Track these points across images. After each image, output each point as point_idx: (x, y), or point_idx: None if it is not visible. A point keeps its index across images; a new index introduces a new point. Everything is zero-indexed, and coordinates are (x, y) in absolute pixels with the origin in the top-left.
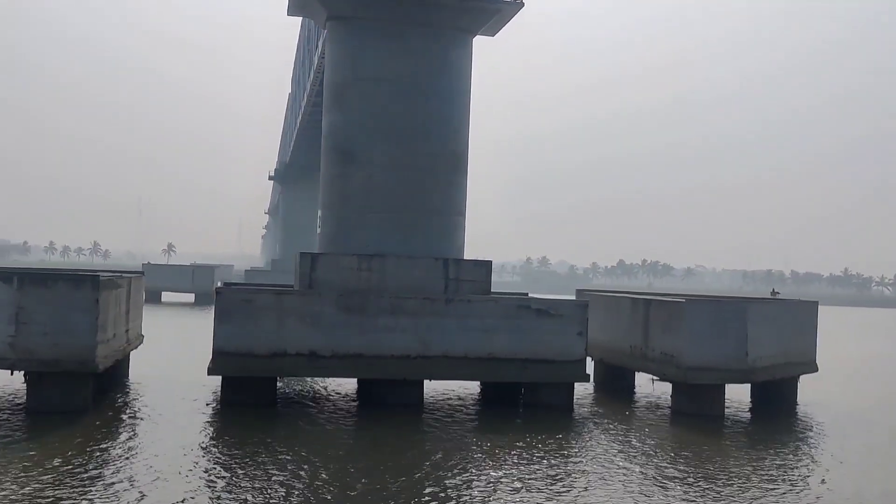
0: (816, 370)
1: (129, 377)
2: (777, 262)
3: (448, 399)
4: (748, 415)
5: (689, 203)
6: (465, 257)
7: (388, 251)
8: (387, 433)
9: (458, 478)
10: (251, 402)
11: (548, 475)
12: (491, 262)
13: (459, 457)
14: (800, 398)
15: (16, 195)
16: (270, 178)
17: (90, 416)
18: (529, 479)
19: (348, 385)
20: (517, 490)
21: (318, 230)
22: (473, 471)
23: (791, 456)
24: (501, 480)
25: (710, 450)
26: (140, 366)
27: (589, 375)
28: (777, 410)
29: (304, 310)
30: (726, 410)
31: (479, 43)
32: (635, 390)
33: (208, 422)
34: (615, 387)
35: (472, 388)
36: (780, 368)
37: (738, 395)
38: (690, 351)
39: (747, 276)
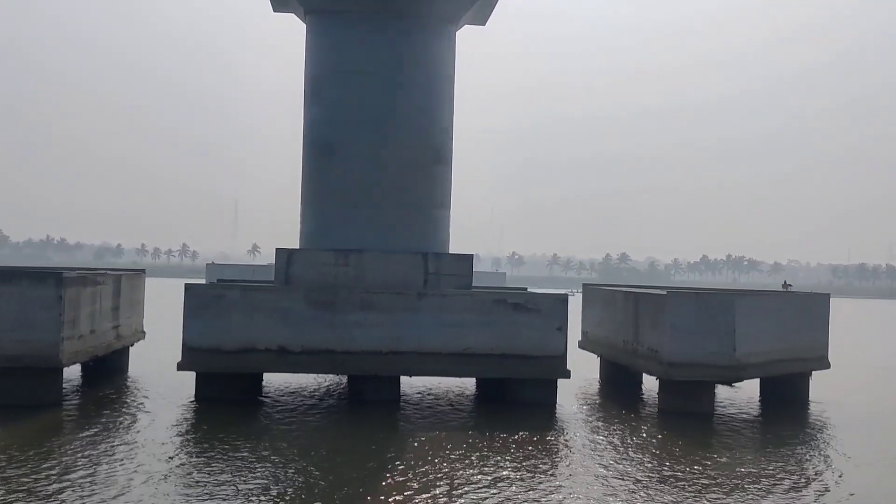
0: (828, 366)
1: (129, 372)
2: (877, 255)
3: (436, 396)
4: (746, 413)
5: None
6: (464, 252)
7: (368, 246)
8: (352, 430)
9: (421, 477)
10: (225, 397)
11: (518, 475)
12: (472, 255)
13: (424, 454)
14: (812, 396)
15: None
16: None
17: (58, 410)
18: (498, 478)
19: (333, 380)
20: (483, 490)
21: (300, 226)
22: (438, 469)
23: (765, 458)
24: (463, 479)
25: (680, 450)
26: (146, 362)
27: (569, 371)
28: (783, 409)
29: (274, 305)
30: (726, 409)
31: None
32: (641, 387)
33: (176, 417)
34: (615, 384)
35: (469, 385)
36: (781, 365)
37: (747, 394)
38: (672, 346)
39: (838, 270)
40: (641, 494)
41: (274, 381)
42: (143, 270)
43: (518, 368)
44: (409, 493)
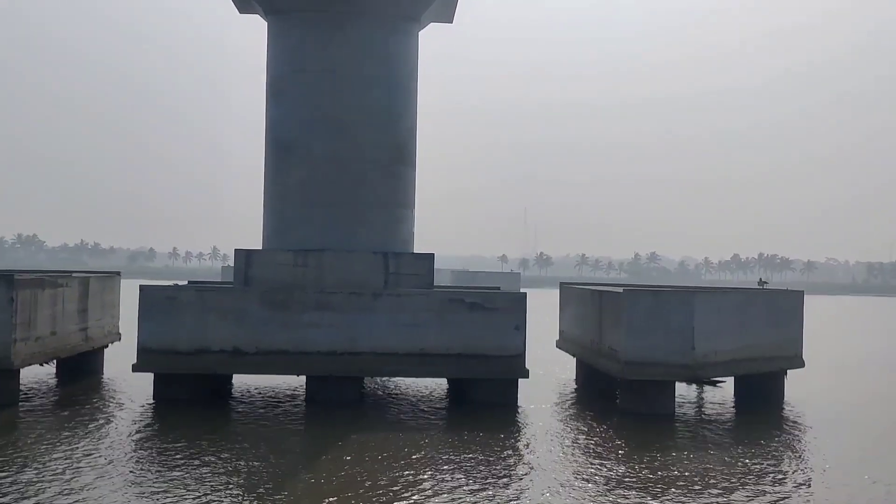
0: (802, 365)
1: (104, 374)
2: None
3: (403, 396)
4: (710, 414)
5: (815, 190)
6: (428, 252)
7: (329, 246)
8: (300, 432)
9: (362, 479)
10: (184, 398)
11: (470, 476)
12: (433, 254)
13: (369, 456)
14: (789, 396)
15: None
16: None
17: (12, 410)
18: (444, 478)
19: (297, 381)
20: (426, 489)
21: (262, 227)
22: (387, 472)
23: (709, 459)
24: (410, 481)
25: (624, 452)
26: (120, 363)
27: (528, 371)
28: (753, 409)
29: (227, 306)
30: (692, 410)
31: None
32: (616, 389)
33: (132, 418)
34: (588, 385)
35: (441, 386)
36: (748, 364)
37: (721, 394)
38: (628, 345)
39: (873, 268)
40: (570, 496)
41: (245, 381)
42: (117, 273)
43: (476, 368)
44: (349, 494)
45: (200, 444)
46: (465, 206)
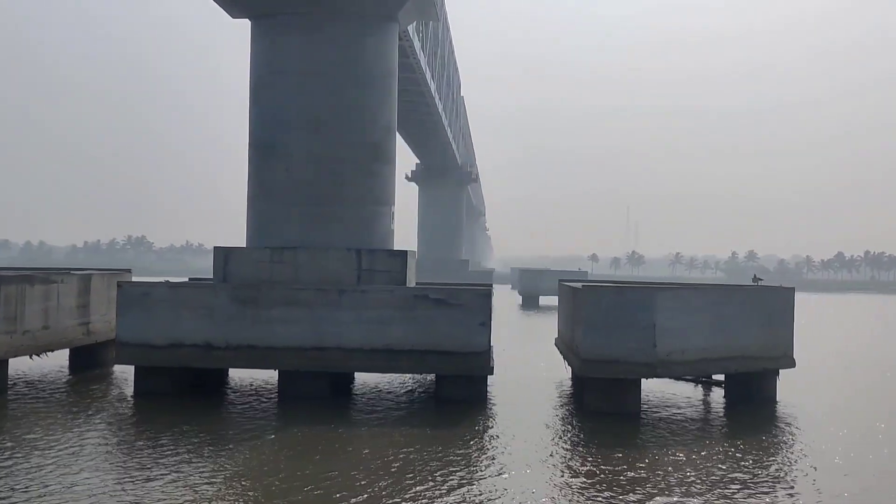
0: (793, 365)
1: (114, 366)
2: None
3: (384, 391)
4: (682, 414)
5: None
6: (402, 248)
7: (308, 243)
8: (271, 425)
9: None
10: (166, 391)
11: (430, 478)
12: (406, 252)
13: (324, 451)
14: (787, 396)
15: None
16: (407, 178)
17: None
18: (405, 479)
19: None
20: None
21: (245, 225)
22: (348, 468)
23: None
24: (362, 475)
25: (578, 454)
26: None
27: (493, 368)
28: (736, 409)
29: (199, 302)
30: (665, 409)
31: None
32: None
33: (109, 409)
34: (575, 384)
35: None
36: (723, 363)
37: (713, 394)
38: (588, 342)
39: None
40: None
41: (235, 374)
42: (128, 270)
43: (441, 365)
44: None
45: (166, 437)
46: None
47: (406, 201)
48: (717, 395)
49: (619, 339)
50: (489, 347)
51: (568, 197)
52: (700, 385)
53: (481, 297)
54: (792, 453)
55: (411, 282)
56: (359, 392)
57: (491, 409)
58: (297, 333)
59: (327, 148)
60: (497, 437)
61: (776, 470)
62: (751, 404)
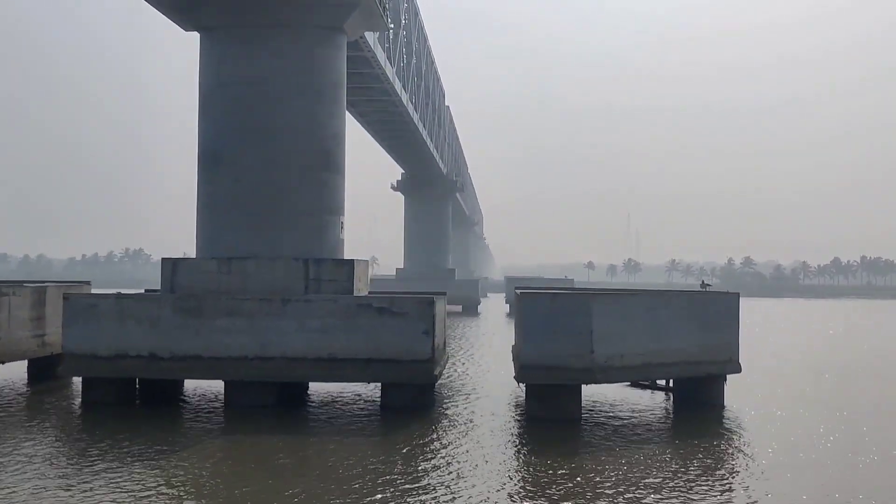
0: (738, 370)
1: (73, 379)
2: None
3: (328, 401)
4: (626, 418)
5: None
6: (351, 257)
7: (256, 253)
8: (212, 435)
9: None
10: (113, 401)
11: (360, 483)
12: (353, 261)
13: (281, 461)
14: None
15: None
16: (393, 188)
17: None
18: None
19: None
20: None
21: (195, 236)
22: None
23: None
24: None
25: (519, 461)
26: None
27: (437, 376)
28: (691, 414)
29: (144, 313)
30: (607, 414)
31: None
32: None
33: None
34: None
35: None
36: (664, 368)
37: (658, 401)
38: (526, 348)
39: None
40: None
41: (193, 386)
42: (87, 282)
43: (385, 373)
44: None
45: (101, 448)
46: (572, 214)
47: (393, 211)
48: (665, 399)
49: (557, 346)
50: (432, 355)
51: (569, 204)
52: (652, 390)
53: (424, 306)
54: (729, 458)
55: (362, 290)
56: (309, 401)
57: (436, 416)
58: (240, 343)
59: (275, 158)
60: (435, 445)
61: (710, 474)
62: (698, 409)
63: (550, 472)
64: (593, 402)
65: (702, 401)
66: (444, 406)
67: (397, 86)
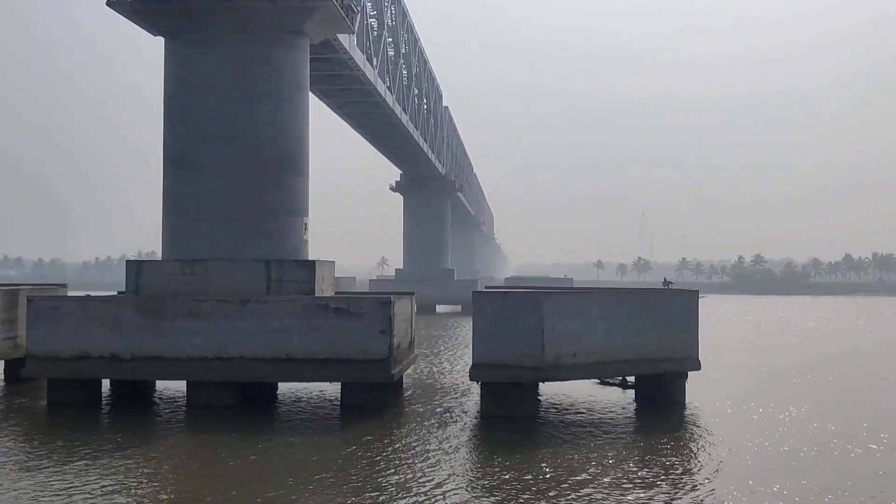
0: (697, 368)
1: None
2: None
3: (293, 400)
4: (584, 415)
5: None
6: (315, 257)
7: (219, 255)
8: (175, 436)
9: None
10: (77, 402)
11: (307, 481)
12: (315, 262)
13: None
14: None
15: None
16: (392, 188)
17: None
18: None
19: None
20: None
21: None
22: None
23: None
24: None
25: (471, 459)
26: None
27: (393, 375)
28: (652, 411)
29: (106, 314)
30: (566, 412)
31: None
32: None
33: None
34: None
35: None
36: (620, 366)
37: (622, 397)
38: (479, 346)
39: None
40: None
41: (165, 386)
42: (63, 285)
43: (342, 373)
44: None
45: (70, 448)
46: (585, 212)
47: (393, 212)
48: (629, 397)
49: (508, 344)
50: (390, 355)
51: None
52: (623, 388)
53: (381, 306)
54: (678, 454)
55: (327, 291)
56: (277, 401)
57: (394, 415)
58: (199, 344)
59: (238, 161)
60: (387, 444)
61: (659, 469)
62: (658, 407)
63: (499, 469)
64: (555, 400)
65: (663, 398)
66: (404, 405)
67: (380, 87)
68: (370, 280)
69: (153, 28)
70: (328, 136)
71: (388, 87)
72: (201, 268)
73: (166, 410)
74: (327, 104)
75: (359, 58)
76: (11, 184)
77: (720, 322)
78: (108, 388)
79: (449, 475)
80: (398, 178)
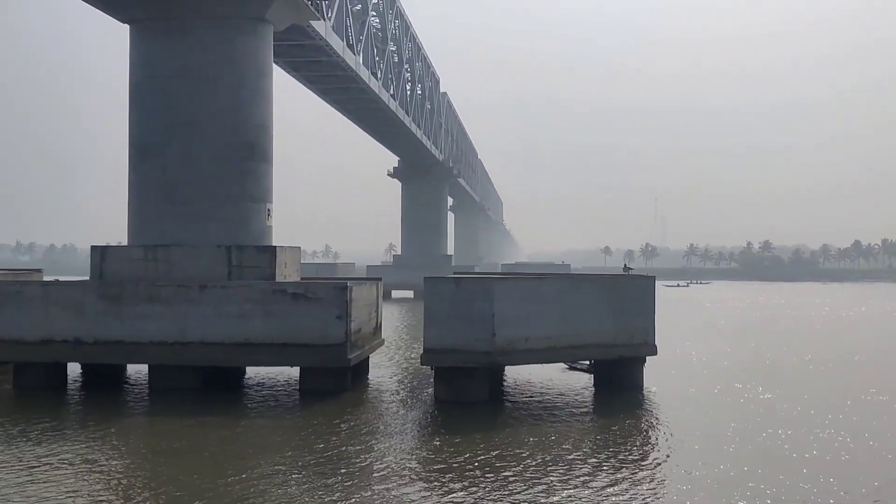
0: (654, 353)
1: None
2: None
3: (256, 384)
4: (541, 399)
5: None
6: (277, 243)
7: (182, 241)
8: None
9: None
10: (42, 385)
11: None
12: (275, 247)
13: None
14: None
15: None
16: (389, 174)
17: None
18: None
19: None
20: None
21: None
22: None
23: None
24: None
25: (423, 442)
26: None
27: (350, 360)
28: (602, 396)
29: (69, 299)
30: (519, 397)
31: None
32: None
33: None
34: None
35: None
36: (573, 351)
37: (581, 382)
38: (430, 332)
39: None
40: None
41: (137, 370)
42: (38, 270)
43: (300, 357)
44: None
45: (31, 433)
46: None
47: (392, 198)
48: (589, 382)
49: (458, 329)
50: (346, 340)
51: (600, 192)
52: (589, 373)
53: (338, 292)
54: (630, 437)
55: (291, 276)
56: (244, 385)
57: (351, 399)
58: (160, 328)
59: (200, 148)
60: (342, 427)
61: (608, 452)
62: (616, 391)
63: (447, 452)
64: (517, 383)
65: (621, 383)
66: (367, 389)
67: (363, 73)
68: (367, 266)
69: (120, 16)
70: (337, 123)
71: (372, 73)
72: (164, 253)
73: (131, 394)
74: (312, 90)
75: (337, 44)
76: (28, 170)
77: (716, 308)
78: (80, 372)
79: (396, 458)
80: (395, 165)
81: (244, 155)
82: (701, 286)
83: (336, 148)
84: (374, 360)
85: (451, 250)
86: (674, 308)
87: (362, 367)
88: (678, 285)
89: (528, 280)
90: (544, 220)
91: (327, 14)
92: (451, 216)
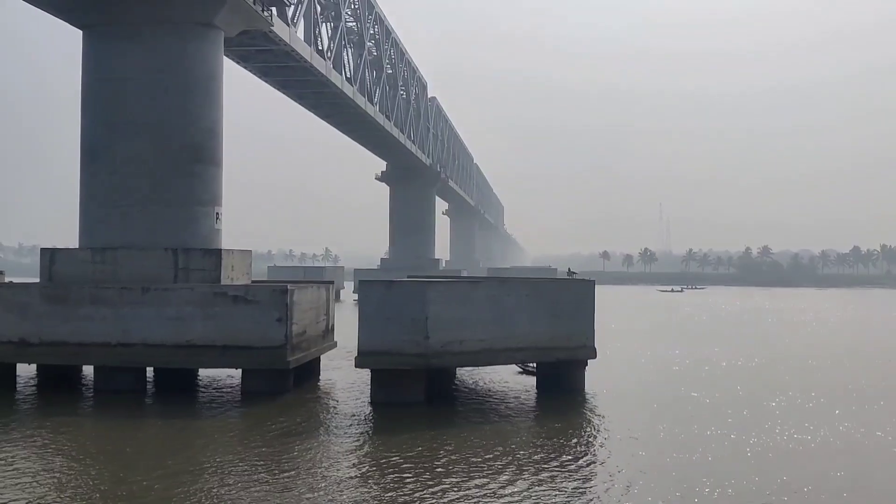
0: (593, 356)
1: None
2: None
3: (207, 386)
4: (475, 404)
5: None
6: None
7: (130, 244)
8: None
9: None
10: None
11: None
12: (221, 251)
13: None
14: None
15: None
16: (377, 178)
17: None
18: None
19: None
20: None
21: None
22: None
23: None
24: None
25: (364, 445)
26: None
27: (289, 363)
28: (543, 399)
29: (13, 300)
30: (459, 399)
31: None
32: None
33: None
34: None
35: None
36: (510, 354)
37: (523, 384)
38: (364, 334)
39: None
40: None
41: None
42: (1, 272)
43: (240, 360)
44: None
45: None
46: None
47: (380, 201)
48: (531, 385)
49: (391, 332)
50: (286, 342)
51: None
52: (529, 374)
53: (278, 294)
54: (565, 437)
55: (239, 280)
56: (186, 387)
57: (291, 401)
58: (103, 330)
59: (149, 151)
60: (276, 428)
61: (544, 452)
62: (557, 393)
63: (371, 452)
64: (463, 386)
65: (563, 385)
66: (314, 391)
67: (334, 77)
68: (355, 269)
69: (70, 20)
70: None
71: (346, 78)
72: (111, 256)
73: (78, 396)
74: (288, 95)
75: (303, 49)
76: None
77: (698, 312)
78: (34, 374)
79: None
80: (384, 169)
81: (192, 158)
82: (695, 291)
83: (336, 149)
84: (333, 363)
85: (446, 254)
86: (650, 312)
87: (311, 369)
88: (672, 290)
89: (462, 283)
90: (549, 224)
91: (293, 20)
92: (446, 221)
